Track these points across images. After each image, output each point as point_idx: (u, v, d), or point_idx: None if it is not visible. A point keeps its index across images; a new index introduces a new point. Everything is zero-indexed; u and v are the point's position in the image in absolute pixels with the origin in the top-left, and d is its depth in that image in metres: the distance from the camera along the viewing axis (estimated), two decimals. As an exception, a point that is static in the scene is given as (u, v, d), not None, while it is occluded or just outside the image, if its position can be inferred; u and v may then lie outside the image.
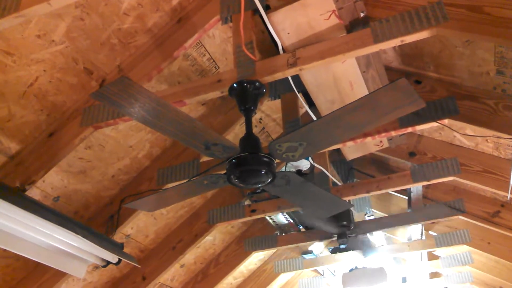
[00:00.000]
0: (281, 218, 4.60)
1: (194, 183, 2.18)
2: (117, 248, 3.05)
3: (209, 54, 3.01)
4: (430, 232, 4.86)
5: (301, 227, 4.67)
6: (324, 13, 2.20)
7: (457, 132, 3.29)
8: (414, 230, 4.81)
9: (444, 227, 4.73)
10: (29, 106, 2.49)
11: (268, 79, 2.17)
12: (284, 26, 2.28)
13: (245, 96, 2.14)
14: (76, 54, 2.47)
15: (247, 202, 3.98)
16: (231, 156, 1.98)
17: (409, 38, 1.99)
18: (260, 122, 3.85)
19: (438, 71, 2.89)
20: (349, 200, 3.88)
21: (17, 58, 2.30)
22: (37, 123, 2.58)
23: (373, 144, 3.49)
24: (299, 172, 3.72)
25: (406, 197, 4.28)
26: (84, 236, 2.69)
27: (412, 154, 3.68)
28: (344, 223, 3.87)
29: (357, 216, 4.54)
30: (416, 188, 4.03)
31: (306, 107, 2.89)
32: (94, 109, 2.52)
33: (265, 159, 1.98)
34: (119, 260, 3.09)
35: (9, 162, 2.59)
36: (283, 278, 6.04)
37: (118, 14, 2.45)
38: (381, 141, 3.44)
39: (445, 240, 4.33)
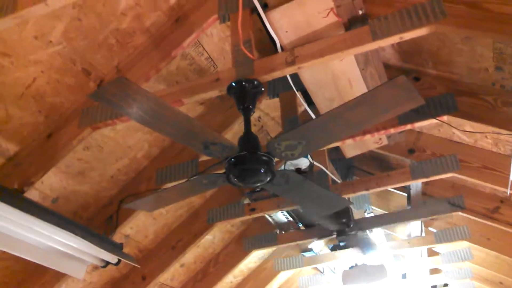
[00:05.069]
0: (281, 216, 4.60)
1: (193, 182, 2.18)
2: (116, 248, 3.05)
3: (207, 53, 3.00)
4: (430, 229, 4.86)
5: (300, 225, 4.67)
6: (322, 11, 2.19)
7: (456, 128, 3.28)
8: (414, 227, 4.81)
9: (443, 223, 4.73)
10: (27, 107, 2.48)
11: (267, 77, 2.16)
12: (282, 24, 2.27)
13: (244, 95, 2.13)
14: (73, 55, 2.46)
15: (246, 201, 3.98)
16: (230, 155, 1.98)
17: (408, 35, 1.98)
18: (259, 121, 3.84)
19: (437, 68, 2.88)
20: (348, 198, 3.88)
21: (15, 59, 2.29)
22: (35, 125, 2.57)
23: (372, 142, 3.48)
24: (298, 170, 3.72)
25: (406, 194, 4.28)
26: (83, 237, 2.69)
27: (411, 151, 3.67)
28: (344, 220, 3.87)
29: (356, 214, 4.53)
30: (416, 185, 4.02)
31: (305, 106, 2.89)
32: (92, 110, 2.51)
33: (264, 158, 1.98)
34: (119, 261, 3.08)
35: (7, 164, 2.57)
36: (283, 276, 6.03)
37: (115, 14, 2.44)
38: (380, 139, 3.43)
39: (444, 236, 4.33)
